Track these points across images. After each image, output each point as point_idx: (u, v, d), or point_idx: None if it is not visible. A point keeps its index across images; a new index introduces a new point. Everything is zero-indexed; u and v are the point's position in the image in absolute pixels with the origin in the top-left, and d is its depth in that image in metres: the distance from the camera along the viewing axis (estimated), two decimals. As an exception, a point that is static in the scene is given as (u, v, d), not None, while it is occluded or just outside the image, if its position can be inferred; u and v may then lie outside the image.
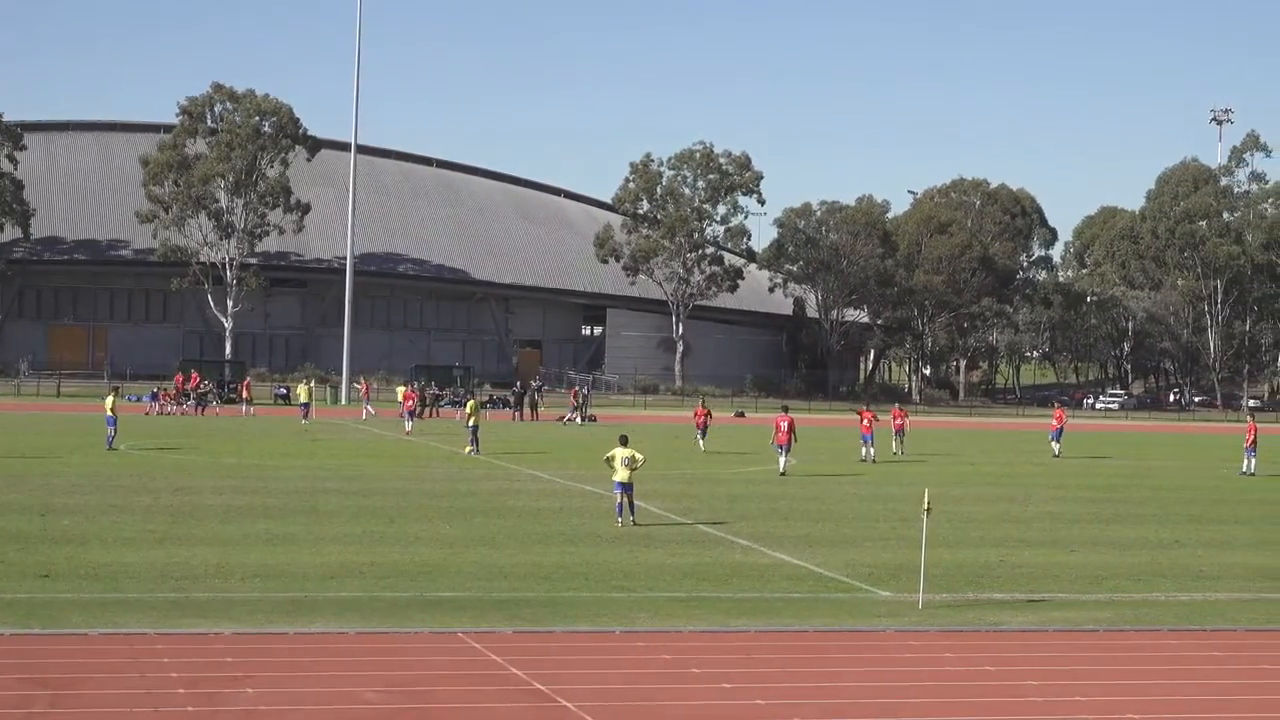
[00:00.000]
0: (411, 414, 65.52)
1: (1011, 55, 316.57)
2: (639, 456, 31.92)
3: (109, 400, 50.97)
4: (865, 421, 54.55)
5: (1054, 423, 62.31)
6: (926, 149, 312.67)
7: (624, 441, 32.26)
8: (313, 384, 78.10)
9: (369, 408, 77.57)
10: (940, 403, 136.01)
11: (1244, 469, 53.70)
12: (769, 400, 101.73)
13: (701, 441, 58.18)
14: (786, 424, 47.21)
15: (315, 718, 15.39)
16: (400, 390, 75.27)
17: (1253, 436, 54.16)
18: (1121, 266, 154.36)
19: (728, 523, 32.65)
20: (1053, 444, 60.70)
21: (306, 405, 72.30)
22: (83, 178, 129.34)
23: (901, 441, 57.90)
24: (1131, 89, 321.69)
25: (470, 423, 52.61)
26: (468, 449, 51.64)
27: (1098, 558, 29.00)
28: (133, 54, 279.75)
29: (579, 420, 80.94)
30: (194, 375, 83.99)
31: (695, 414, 60.86)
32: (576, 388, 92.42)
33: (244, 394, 79.95)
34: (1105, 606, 23.42)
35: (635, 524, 31.23)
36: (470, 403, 55.18)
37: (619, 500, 31.71)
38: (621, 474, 31.52)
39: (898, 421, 58.45)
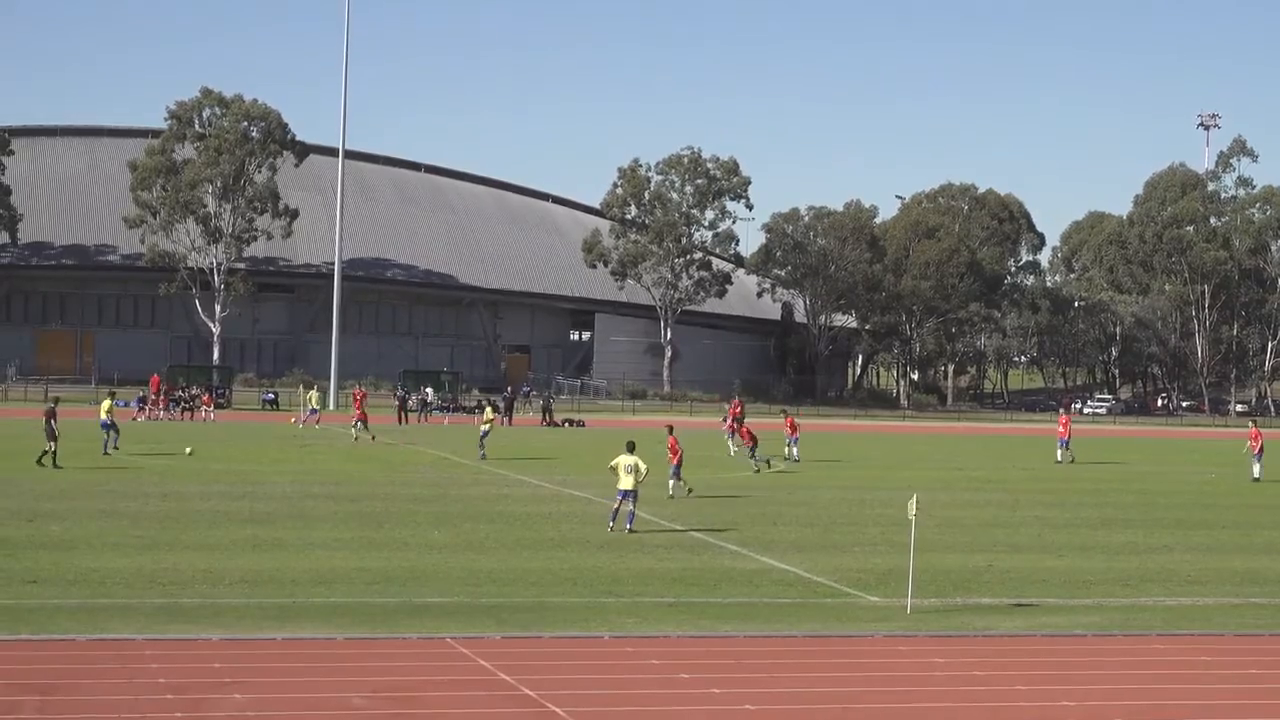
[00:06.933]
0: (363, 423, 60.80)
1: (999, 61, 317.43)
2: (642, 466, 31.47)
3: (105, 404, 50.72)
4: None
5: (1060, 430, 62.37)
6: (914, 154, 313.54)
7: (630, 448, 31.88)
8: (306, 391, 77.25)
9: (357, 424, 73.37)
10: (928, 408, 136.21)
11: (1255, 475, 53.71)
12: (758, 405, 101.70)
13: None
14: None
15: (304, 723, 15.38)
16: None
17: (1259, 444, 54.19)
18: (1109, 271, 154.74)
19: (716, 528, 32.62)
20: (1060, 450, 60.66)
21: (316, 411, 71.48)
22: (70, 183, 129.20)
23: (732, 440, 57.02)
24: (1119, 94, 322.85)
25: (483, 429, 52.80)
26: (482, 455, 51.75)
27: (1086, 563, 29.04)
28: (121, 59, 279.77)
29: (555, 423, 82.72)
30: (153, 379, 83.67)
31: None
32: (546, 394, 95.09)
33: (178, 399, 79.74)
34: (1093, 611, 23.45)
35: (630, 531, 31.04)
36: (486, 409, 55.71)
37: (616, 506, 31.45)
38: (625, 481, 31.20)
39: (727, 422, 58.46)
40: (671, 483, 39.54)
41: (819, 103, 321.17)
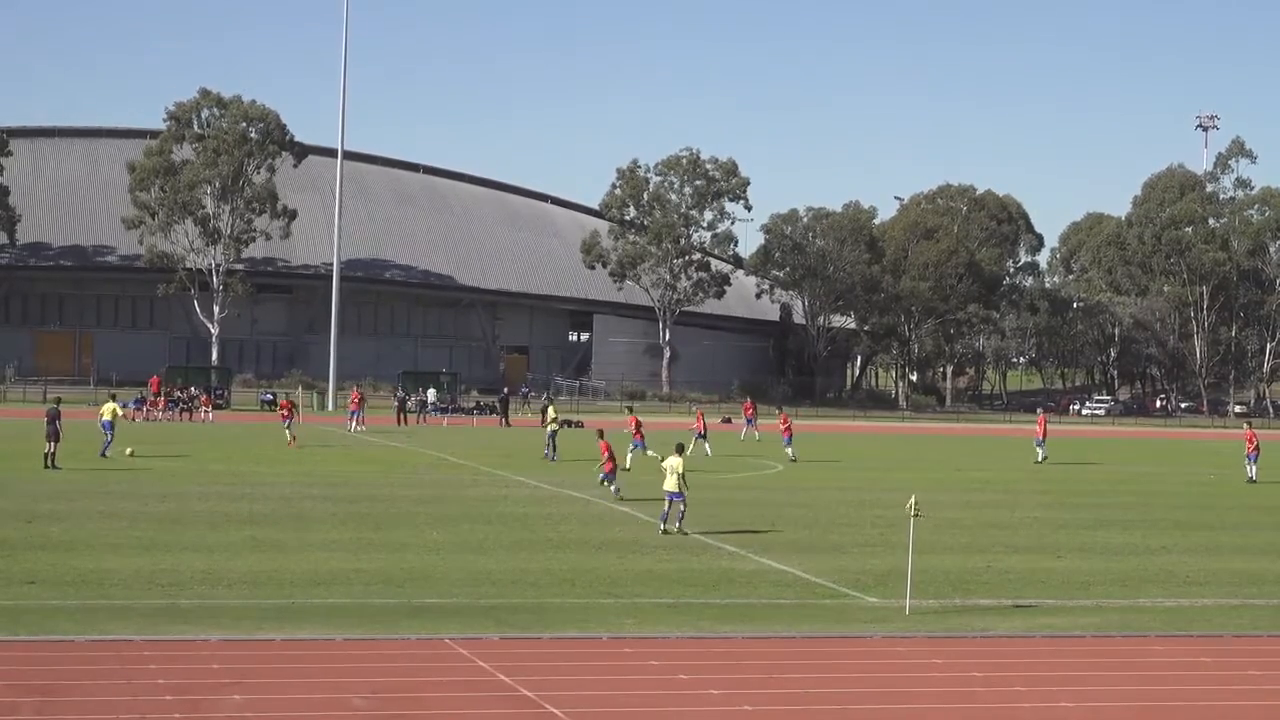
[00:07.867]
0: (288, 422, 59.30)
1: (998, 62, 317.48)
2: (682, 470, 31.84)
3: (109, 407, 50.62)
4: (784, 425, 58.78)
5: (1037, 429, 62.69)
6: (913, 155, 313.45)
7: (679, 450, 32.59)
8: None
9: (358, 423, 70.17)
10: (927, 409, 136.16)
11: (1250, 476, 53.80)
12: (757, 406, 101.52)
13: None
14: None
15: (303, 725, 15.38)
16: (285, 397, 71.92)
17: (1254, 444, 54.43)
18: (1108, 272, 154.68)
19: (715, 529, 32.62)
20: (1037, 450, 60.95)
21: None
22: (69, 184, 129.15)
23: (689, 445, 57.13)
24: (1117, 95, 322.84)
25: (550, 430, 53.46)
26: (547, 454, 52.20)
27: (1085, 564, 29.05)
28: (120, 59, 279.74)
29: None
30: (154, 380, 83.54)
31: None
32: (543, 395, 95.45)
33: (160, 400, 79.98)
34: (1092, 612, 23.46)
35: (672, 532, 31.15)
36: (549, 410, 56.60)
37: (665, 508, 31.72)
38: (669, 482, 31.63)
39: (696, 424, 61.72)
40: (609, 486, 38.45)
41: (819, 103, 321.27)
